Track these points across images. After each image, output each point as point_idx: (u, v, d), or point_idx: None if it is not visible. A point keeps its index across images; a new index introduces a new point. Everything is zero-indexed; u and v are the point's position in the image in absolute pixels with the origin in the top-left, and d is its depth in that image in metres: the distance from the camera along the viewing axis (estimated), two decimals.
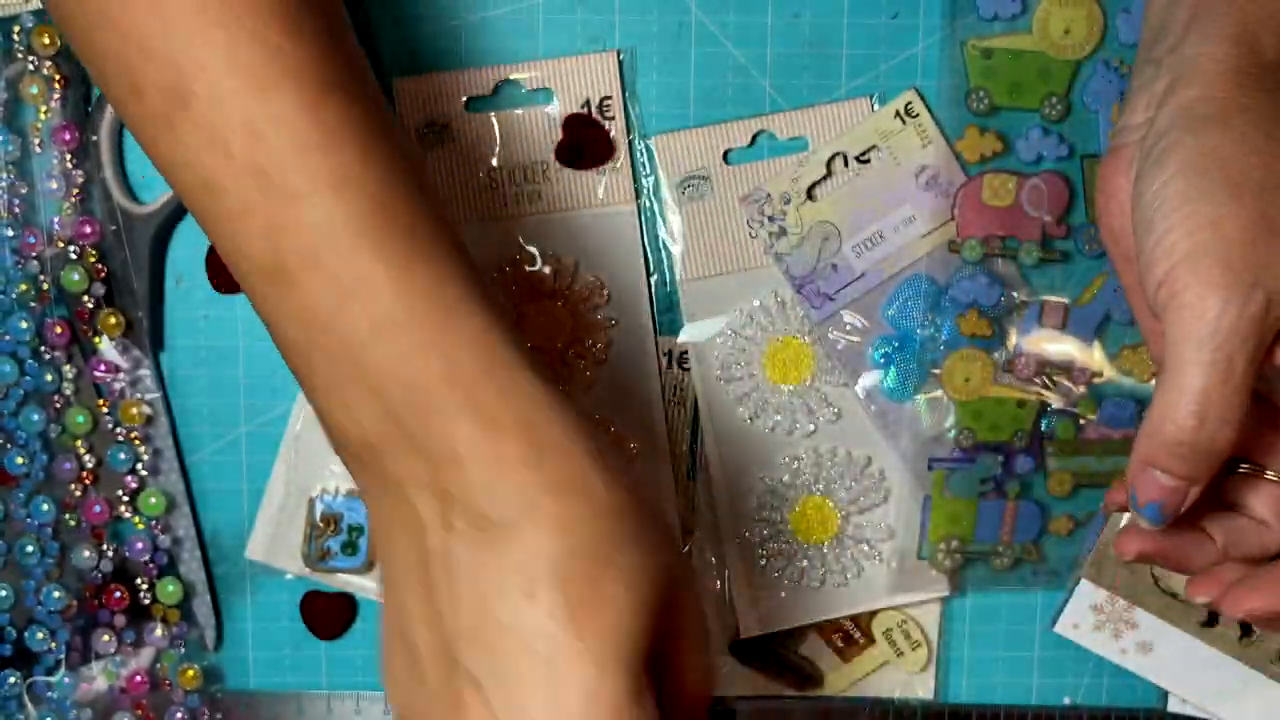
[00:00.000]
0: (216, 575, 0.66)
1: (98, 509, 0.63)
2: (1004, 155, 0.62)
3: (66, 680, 0.64)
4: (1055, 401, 0.64)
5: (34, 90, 0.60)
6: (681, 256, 0.63)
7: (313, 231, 0.39)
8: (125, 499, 0.63)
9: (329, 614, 0.65)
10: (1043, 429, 0.64)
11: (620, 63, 0.62)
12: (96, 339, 0.63)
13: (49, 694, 0.65)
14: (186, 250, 0.63)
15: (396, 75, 0.62)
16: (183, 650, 0.65)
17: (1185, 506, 0.48)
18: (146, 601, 0.64)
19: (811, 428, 0.64)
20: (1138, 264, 0.47)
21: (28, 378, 0.62)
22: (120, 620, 0.64)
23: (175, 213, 0.62)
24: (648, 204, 0.63)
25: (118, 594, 0.64)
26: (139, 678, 0.65)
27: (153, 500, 0.63)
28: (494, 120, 0.62)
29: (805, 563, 0.64)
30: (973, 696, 0.67)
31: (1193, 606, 0.64)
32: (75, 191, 0.62)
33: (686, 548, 0.64)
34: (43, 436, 0.63)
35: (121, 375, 0.63)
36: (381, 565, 0.44)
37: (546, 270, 0.63)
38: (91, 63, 0.42)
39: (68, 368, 0.63)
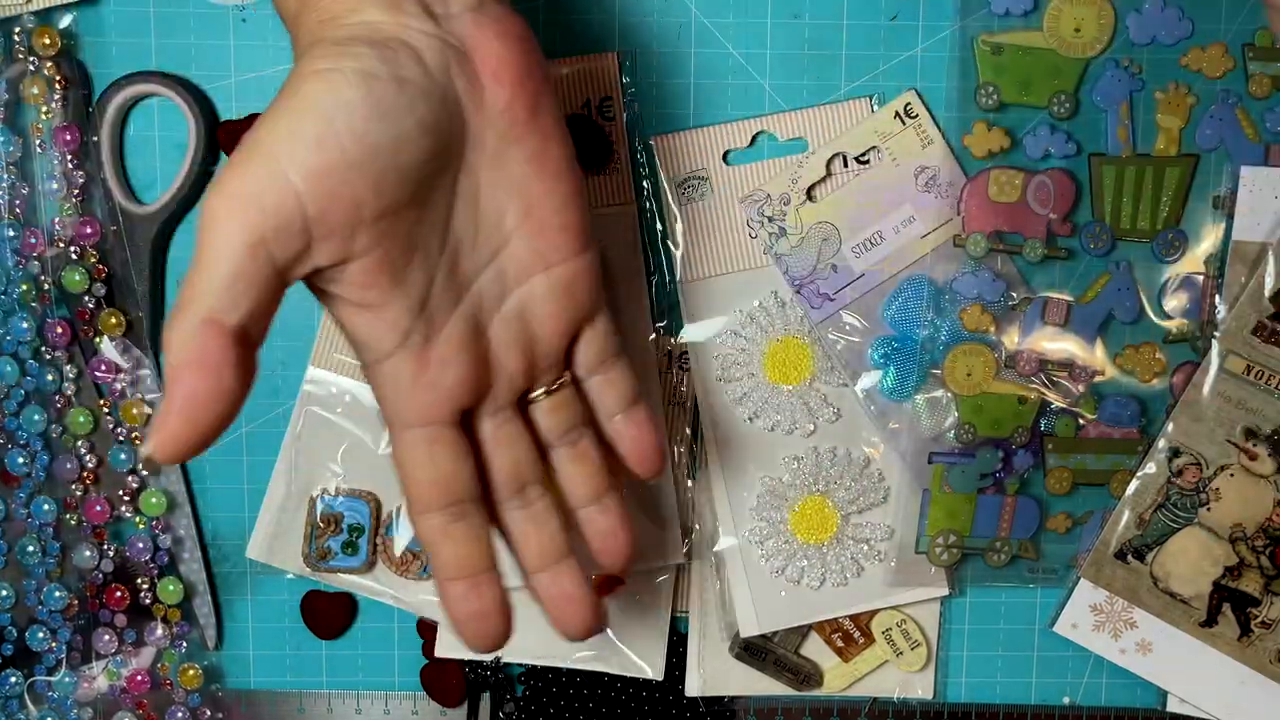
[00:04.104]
0: (217, 575, 0.66)
1: (99, 509, 0.63)
2: (1011, 151, 0.62)
3: (68, 679, 0.65)
4: (1056, 399, 0.64)
5: (35, 91, 0.60)
6: (681, 257, 0.63)
7: None
8: (126, 499, 0.64)
9: (329, 613, 0.65)
10: (1042, 426, 0.64)
11: (620, 64, 0.62)
12: (97, 339, 0.63)
13: (50, 693, 0.65)
14: (187, 250, 0.63)
15: None
16: (184, 649, 0.65)
17: None
18: (147, 601, 0.64)
19: (811, 428, 0.64)
20: None
21: (29, 378, 0.62)
22: (121, 620, 0.64)
23: (176, 213, 0.62)
24: (648, 204, 0.63)
25: (119, 593, 0.64)
26: (140, 677, 0.65)
27: (154, 500, 0.64)
28: None
29: (805, 562, 0.64)
30: (972, 696, 0.67)
31: (1192, 607, 0.64)
32: (76, 192, 0.62)
33: (686, 547, 0.64)
34: (44, 436, 0.63)
35: (122, 375, 0.63)
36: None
37: None
38: None
39: (69, 368, 0.63)
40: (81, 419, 0.63)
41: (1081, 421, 0.64)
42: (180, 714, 0.65)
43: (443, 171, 0.44)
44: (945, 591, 0.65)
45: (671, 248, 0.63)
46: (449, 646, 0.65)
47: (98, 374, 0.63)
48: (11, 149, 0.61)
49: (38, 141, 0.61)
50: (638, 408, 0.52)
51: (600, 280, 0.50)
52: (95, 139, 0.61)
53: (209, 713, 0.66)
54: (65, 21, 0.61)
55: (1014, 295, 0.63)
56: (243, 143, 0.41)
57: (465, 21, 0.45)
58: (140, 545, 0.64)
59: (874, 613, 0.65)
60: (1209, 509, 0.63)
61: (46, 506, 0.63)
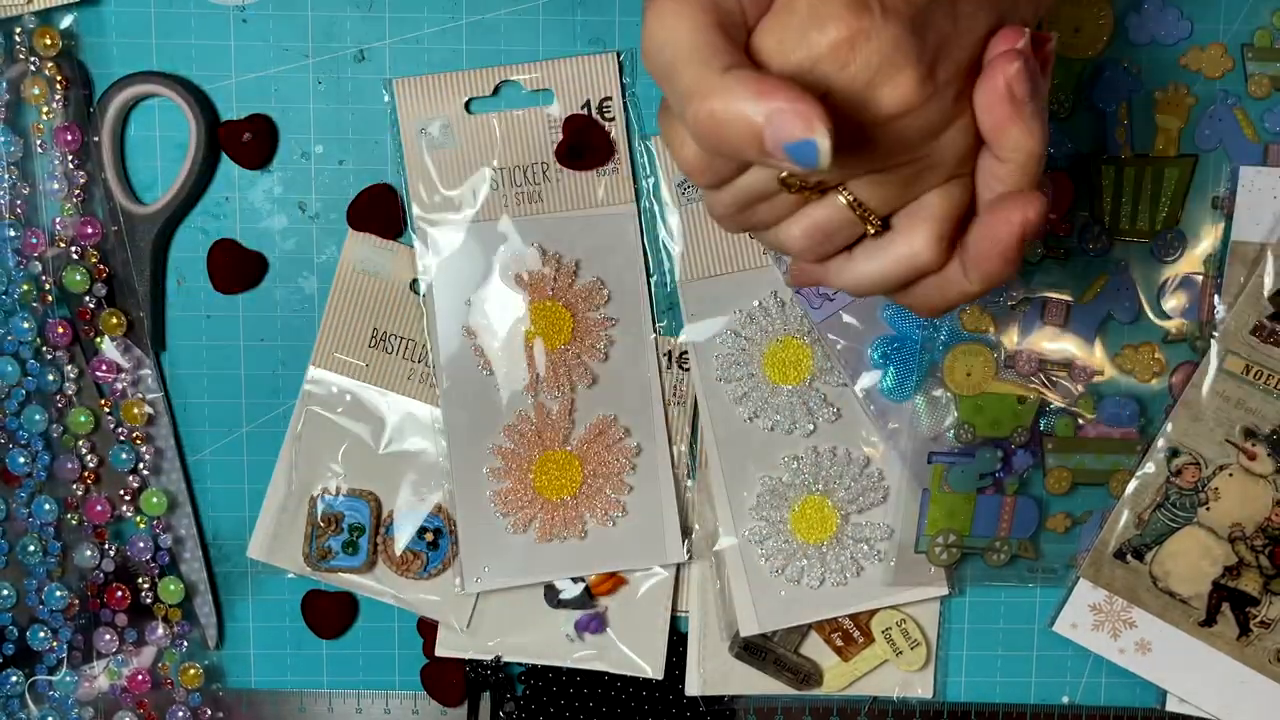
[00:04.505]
0: (218, 574, 0.66)
1: (100, 508, 0.63)
2: None
3: (69, 679, 0.65)
4: (1055, 399, 0.64)
5: (36, 91, 0.61)
6: (681, 256, 0.63)
7: None
8: (127, 498, 0.64)
9: (330, 613, 0.66)
10: (1042, 426, 0.64)
11: (620, 64, 0.62)
12: (98, 339, 0.63)
13: (51, 693, 0.65)
14: (187, 250, 0.63)
15: (396, 75, 0.62)
16: (184, 649, 0.65)
17: None
18: (148, 600, 0.64)
19: (811, 427, 0.64)
20: None
21: (30, 378, 0.63)
22: (122, 619, 0.64)
23: (176, 213, 0.62)
24: (648, 204, 0.63)
25: (119, 593, 0.64)
26: (141, 676, 0.65)
27: (154, 500, 0.64)
28: (494, 120, 0.62)
29: (805, 562, 0.64)
30: (971, 695, 0.67)
31: (1191, 606, 0.64)
32: (77, 192, 0.62)
33: (686, 547, 0.64)
34: (45, 436, 0.63)
35: (123, 375, 0.63)
36: None
37: (546, 270, 0.63)
38: None
39: (70, 368, 0.63)
40: (82, 419, 0.63)
41: (1081, 421, 0.64)
42: (181, 713, 0.65)
43: None
44: (945, 591, 0.65)
45: (671, 248, 0.63)
46: (449, 646, 0.66)
47: (98, 374, 0.63)
48: (13, 149, 0.61)
49: (39, 141, 0.61)
50: None
51: None
52: (96, 139, 0.62)
53: (210, 712, 0.66)
54: (66, 22, 0.61)
55: (1013, 295, 0.63)
56: None
57: None
58: (141, 545, 0.64)
59: (874, 612, 0.66)
60: (1208, 508, 0.63)
61: (47, 506, 0.63)
